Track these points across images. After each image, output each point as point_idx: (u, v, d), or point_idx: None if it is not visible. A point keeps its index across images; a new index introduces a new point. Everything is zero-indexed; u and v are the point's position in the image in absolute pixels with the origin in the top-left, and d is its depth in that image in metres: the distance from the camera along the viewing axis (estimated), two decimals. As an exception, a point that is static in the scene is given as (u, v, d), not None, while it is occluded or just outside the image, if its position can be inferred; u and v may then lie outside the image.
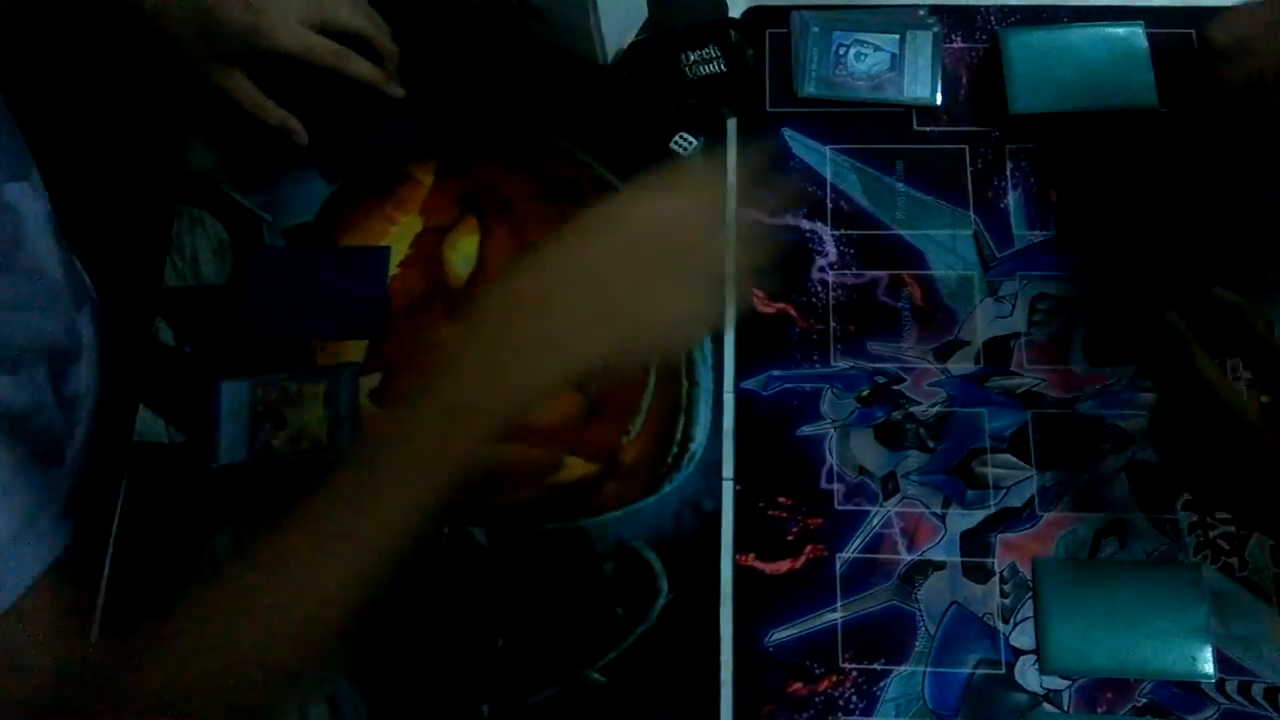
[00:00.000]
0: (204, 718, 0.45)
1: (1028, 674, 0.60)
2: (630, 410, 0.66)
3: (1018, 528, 0.62)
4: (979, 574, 0.62)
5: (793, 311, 0.68)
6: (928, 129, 0.72)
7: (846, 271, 0.69)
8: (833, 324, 0.67)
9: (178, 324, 0.70)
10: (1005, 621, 0.61)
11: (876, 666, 0.60)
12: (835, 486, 0.64)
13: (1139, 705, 0.59)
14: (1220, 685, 0.59)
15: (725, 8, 0.75)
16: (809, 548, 0.63)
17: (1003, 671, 0.60)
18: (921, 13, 0.74)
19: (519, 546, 0.64)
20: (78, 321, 0.65)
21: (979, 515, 0.63)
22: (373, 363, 0.68)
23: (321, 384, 0.67)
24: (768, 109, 0.73)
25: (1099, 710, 0.59)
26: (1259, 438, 0.51)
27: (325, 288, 0.70)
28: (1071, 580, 0.61)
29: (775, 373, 0.67)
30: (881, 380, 0.66)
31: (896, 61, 0.73)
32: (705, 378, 0.67)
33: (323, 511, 0.47)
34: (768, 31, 0.75)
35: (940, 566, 0.62)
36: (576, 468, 0.65)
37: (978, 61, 0.73)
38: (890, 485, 0.64)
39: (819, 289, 0.68)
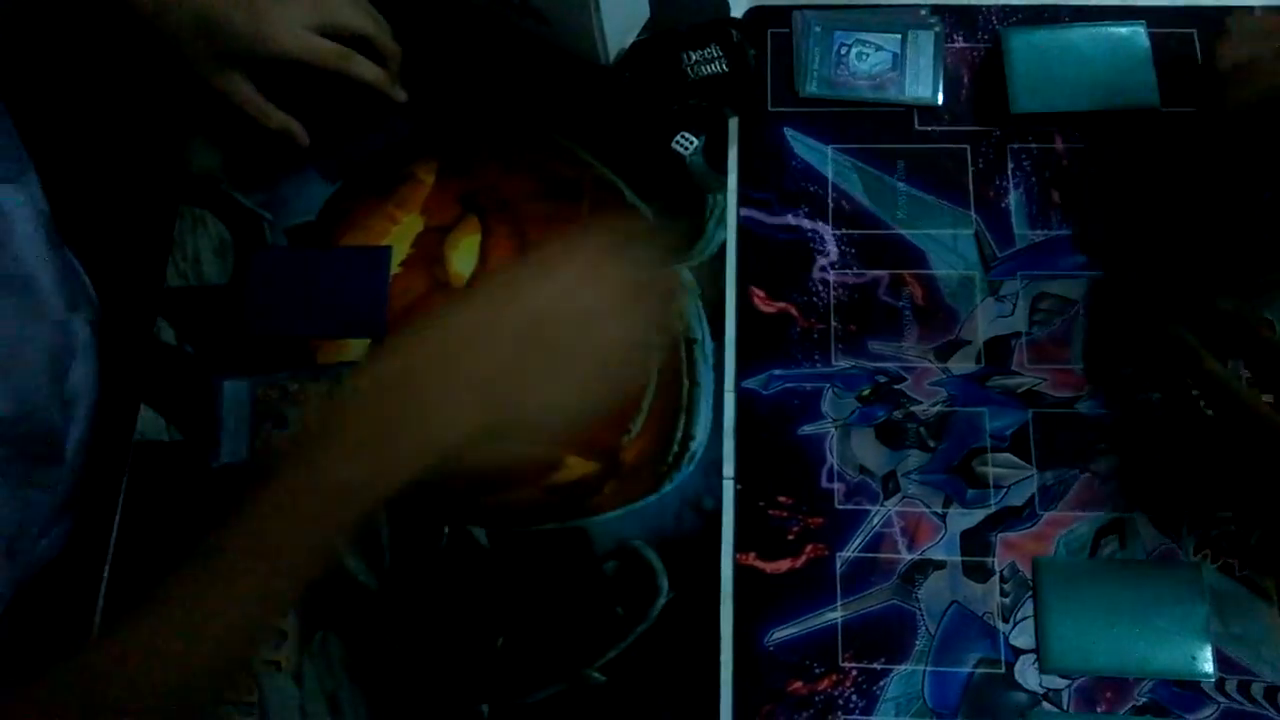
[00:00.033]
0: None
1: (1027, 673, 0.60)
2: (631, 409, 0.66)
3: (1018, 527, 0.63)
4: (979, 573, 0.62)
5: (794, 311, 0.68)
6: (929, 128, 0.72)
7: (848, 271, 0.69)
8: (834, 323, 0.67)
9: (179, 323, 0.70)
10: (1005, 621, 0.61)
11: (876, 666, 0.60)
12: (836, 486, 0.64)
13: (1139, 704, 0.59)
14: (1220, 684, 0.59)
15: (727, 7, 0.75)
16: (809, 547, 0.63)
17: (1002, 671, 0.60)
18: (923, 12, 0.74)
19: (519, 546, 0.64)
20: (73, 323, 0.65)
21: (979, 514, 0.63)
22: (374, 362, 0.68)
23: (323, 383, 0.68)
24: (769, 109, 0.73)
25: (1099, 709, 0.59)
26: (1271, 426, 0.52)
27: (327, 287, 0.70)
28: (1071, 579, 0.61)
29: (776, 372, 0.67)
30: (882, 379, 0.66)
31: (898, 61, 0.73)
32: (706, 377, 0.67)
33: (186, 591, 0.45)
34: (769, 31, 0.75)
35: (940, 566, 0.62)
36: (577, 467, 0.65)
37: (979, 61, 0.73)
38: (891, 484, 0.64)
39: (820, 288, 0.68)
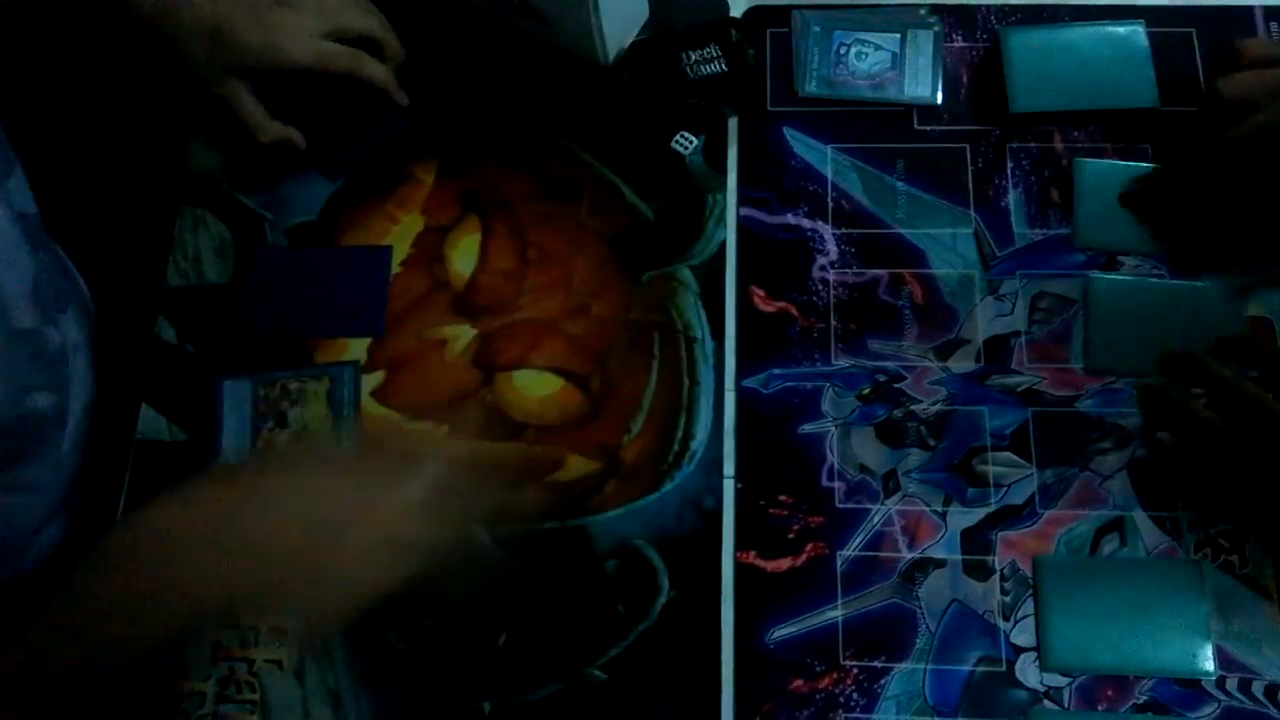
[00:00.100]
0: None
1: (1028, 671, 0.60)
2: (631, 409, 0.66)
3: (1018, 525, 0.63)
4: (979, 571, 0.62)
5: (793, 310, 0.68)
6: (928, 128, 0.72)
7: (847, 270, 0.69)
8: (834, 322, 0.68)
9: (180, 323, 0.70)
10: (1006, 619, 0.61)
11: (877, 664, 0.60)
12: (836, 484, 0.64)
13: (1139, 702, 0.59)
14: (1221, 682, 0.59)
15: (726, 7, 0.75)
16: (810, 545, 0.63)
17: (1003, 669, 0.60)
18: (922, 12, 0.74)
19: (520, 544, 0.64)
20: (60, 324, 0.65)
21: (980, 513, 0.63)
22: (374, 361, 0.68)
23: (323, 382, 0.68)
24: (769, 108, 0.73)
25: (1099, 707, 0.59)
26: None
27: (327, 286, 0.70)
28: (1072, 578, 0.61)
29: (776, 371, 0.67)
30: (882, 378, 0.66)
31: (897, 61, 0.73)
32: (706, 376, 0.67)
33: None
34: (769, 31, 0.75)
35: (941, 564, 0.62)
36: (577, 466, 0.65)
37: (978, 60, 0.73)
38: (891, 483, 0.64)
39: (820, 288, 0.68)
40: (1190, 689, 0.59)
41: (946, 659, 0.60)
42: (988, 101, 0.72)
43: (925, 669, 0.60)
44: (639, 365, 0.67)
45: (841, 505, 0.64)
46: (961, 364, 0.66)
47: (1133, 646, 0.59)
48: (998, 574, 0.62)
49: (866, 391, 0.66)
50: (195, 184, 0.74)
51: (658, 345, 0.68)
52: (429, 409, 0.67)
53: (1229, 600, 0.60)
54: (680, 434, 0.66)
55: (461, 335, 0.69)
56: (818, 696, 0.60)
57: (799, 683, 0.60)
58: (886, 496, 0.64)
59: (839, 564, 0.63)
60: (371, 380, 0.68)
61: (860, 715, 0.60)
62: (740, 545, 0.63)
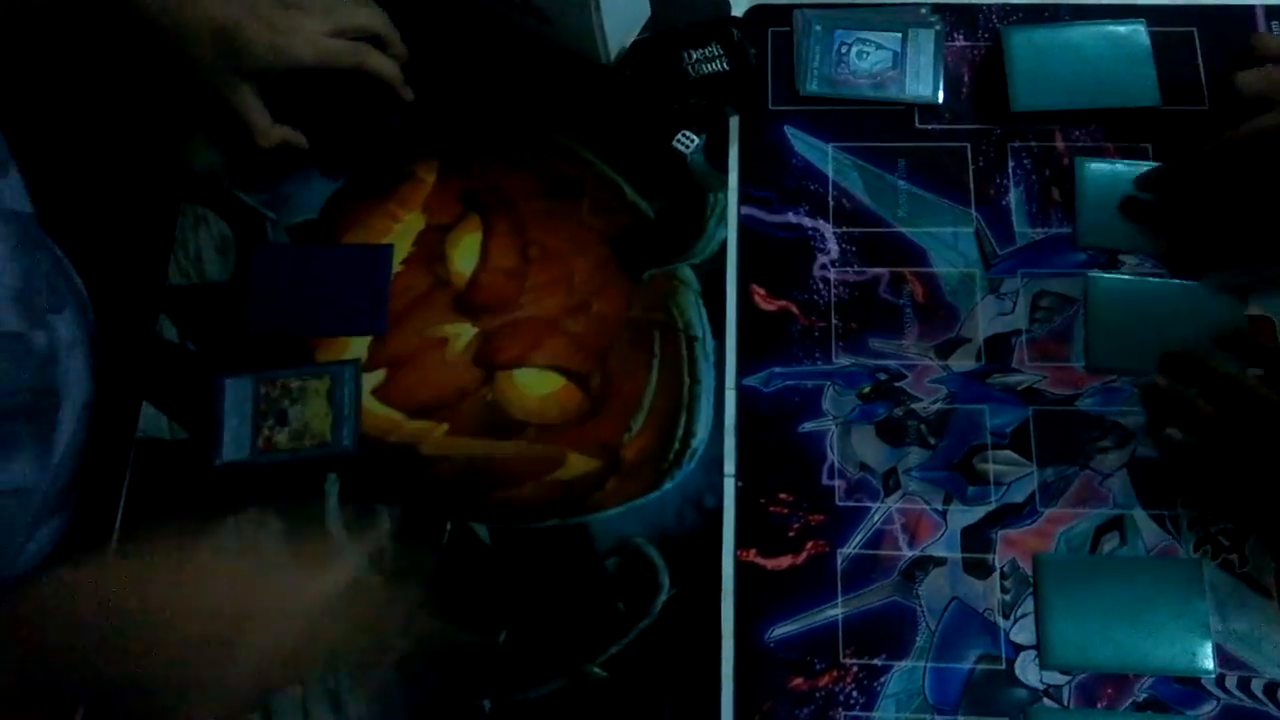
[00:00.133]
0: None
1: (1028, 669, 0.60)
2: (632, 407, 0.66)
3: (1018, 524, 0.63)
4: (980, 570, 0.62)
5: (794, 309, 0.68)
6: (930, 127, 0.72)
7: (848, 269, 0.69)
8: (834, 321, 0.68)
9: (181, 321, 0.70)
10: (1006, 617, 0.61)
11: (877, 662, 0.61)
12: (836, 483, 0.64)
13: (1139, 700, 0.59)
14: (1220, 680, 0.59)
15: (728, 6, 0.76)
16: (810, 544, 0.63)
17: (1003, 667, 0.60)
18: (923, 11, 0.74)
19: (521, 543, 0.64)
20: (55, 324, 0.65)
21: (980, 511, 0.63)
22: (375, 359, 0.68)
23: (324, 381, 0.68)
24: (770, 107, 0.73)
25: (1099, 705, 0.59)
26: None
27: (328, 285, 0.70)
28: (1072, 576, 0.61)
29: (777, 370, 0.67)
30: (883, 377, 0.66)
31: (898, 60, 0.73)
32: (707, 375, 0.67)
33: None
34: (770, 30, 0.75)
35: (941, 562, 0.62)
36: (578, 464, 0.66)
37: (980, 59, 0.73)
38: (891, 481, 0.64)
39: (821, 286, 0.68)
40: (1190, 687, 0.59)
41: (946, 657, 0.60)
42: (989, 100, 0.72)
43: (925, 667, 0.60)
44: (640, 364, 0.67)
45: (842, 503, 0.64)
46: (962, 362, 0.66)
47: (1132, 645, 0.59)
48: (998, 572, 0.62)
49: (867, 390, 0.66)
50: (197, 182, 0.74)
51: (658, 344, 0.68)
52: (430, 407, 0.67)
53: (1228, 598, 0.60)
54: (681, 432, 0.66)
55: (462, 334, 0.69)
56: (818, 694, 0.60)
57: (799, 680, 0.60)
58: (887, 495, 0.64)
59: (839, 562, 0.63)
60: (372, 379, 0.68)
61: (860, 713, 0.60)
62: (741, 543, 0.63)
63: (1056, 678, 0.60)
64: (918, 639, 0.61)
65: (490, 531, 0.64)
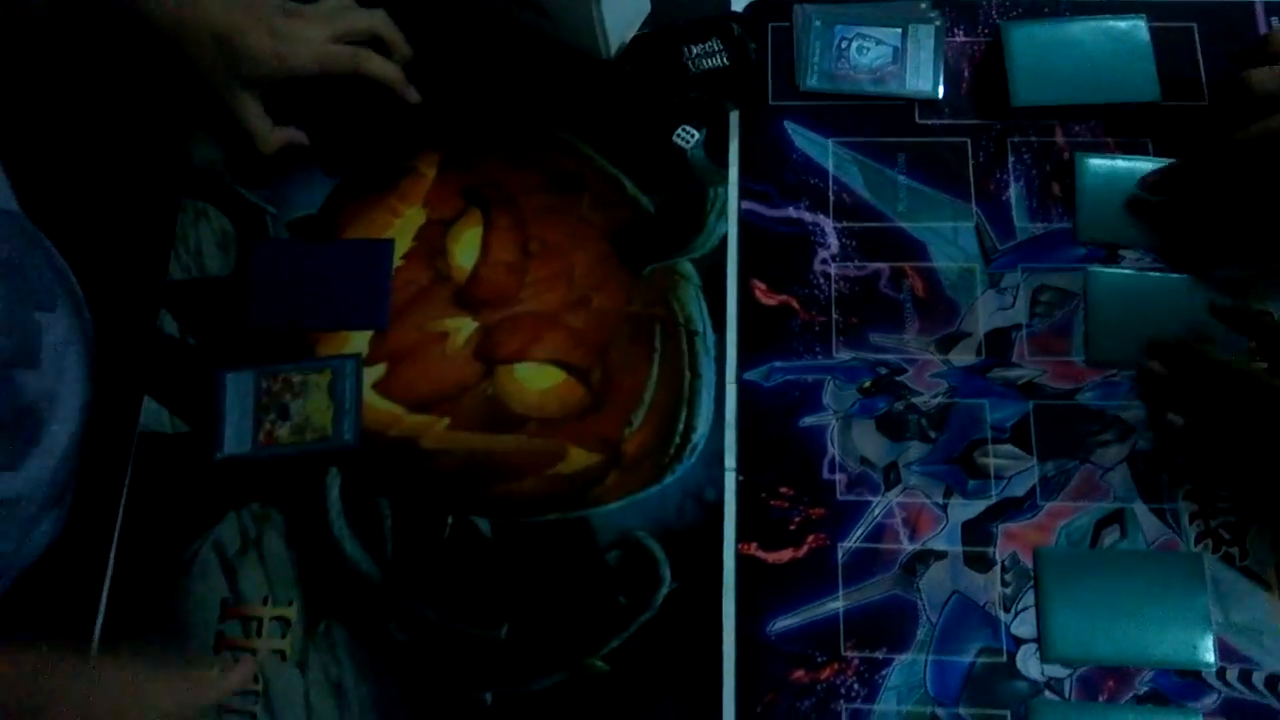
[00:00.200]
0: None
1: (1029, 662, 0.60)
2: (633, 402, 0.66)
3: (1019, 517, 0.63)
4: (980, 563, 0.62)
5: (795, 304, 0.68)
6: (930, 122, 0.72)
7: (848, 264, 0.69)
8: (835, 316, 0.68)
9: (182, 316, 0.70)
10: (1006, 610, 0.61)
11: (878, 655, 0.61)
12: (837, 477, 0.64)
13: (1140, 693, 0.59)
14: (1221, 673, 0.59)
15: (728, 1, 0.76)
16: (811, 537, 0.63)
17: (1004, 660, 0.60)
18: (923, 6, 0.74)
19: (522, 536, 0.64)
20: (44, 321, 0.64)
21: (980, 505, 0.63)
22: (376, 354, 0.68)
23: (325, 375, 0.68)
24: (770, 102, 0.73)
25: (1100, 698, 0.59)
26: None
27: (329, 280, 0.70)
28: (1073, 570, 0.61)
29: (777, 364, 0.67)
30: (883, 371, 0.66)
31: (898, 55, 0.73)
32: (707, 369, 0.67)
33: None
34: (770, 25, 0.75)
35: (942, 556, 0.62)
36: (579, 458, 0.66)
37: (980, 55, 0.73)
38: (892, 475, 0.64)
39: (821, 281, 0.69)
40: (1191, 680, 0.59)
41: (947, 650, 0.60)
42: (989, 95, 0.72)
43: (926, 660, 0.60)
44: (640, 358, 0.67)
45: (842, 497, 0.64)
46: (962, 357, 0.66)
47: (1133, 638, 0.59)
48: (998, 566, 0.62)
49: (867, 384, 0.66)
50: (197, 177, 0.74)
51: (659, 338, 0.68)
52: (430, 401, 0.67)
53: (1229, 591, 0.60)
54: (681, 426, 0.66)
55: (463, 328, 0.69)
56: (819, 687, 0.60)
57: (800, 673, 0.61)
58: (887, 489, 0.64)
59: (840, 555, 0.63)
60: (373, 373, 0.68)
61: (861, 706, 0.60)
62: (741, 537, 0.63)
63: (1057, 671, 0.60)
64: (919, 632, 0.61)
65: (491, 525, 0.64)
